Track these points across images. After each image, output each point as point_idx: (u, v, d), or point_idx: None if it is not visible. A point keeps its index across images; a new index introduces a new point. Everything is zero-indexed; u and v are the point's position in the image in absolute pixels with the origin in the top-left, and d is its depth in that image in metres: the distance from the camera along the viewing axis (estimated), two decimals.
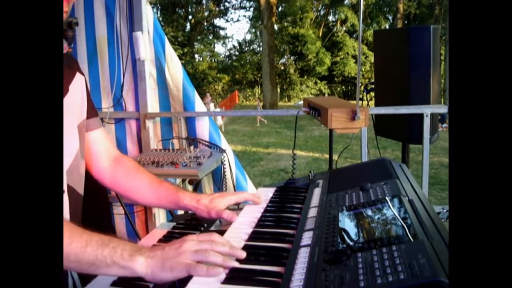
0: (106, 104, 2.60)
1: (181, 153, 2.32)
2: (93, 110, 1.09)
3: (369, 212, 0.83)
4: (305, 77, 24.70)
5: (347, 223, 0.81)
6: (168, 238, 1.03)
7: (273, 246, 0.84)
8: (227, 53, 27.90)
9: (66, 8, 0.84)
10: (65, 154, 0.94)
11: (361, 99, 2.43)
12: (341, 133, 1.59)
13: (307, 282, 0.64)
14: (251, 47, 27.54)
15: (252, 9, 25.89)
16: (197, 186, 2.42)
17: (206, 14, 25.95)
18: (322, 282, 0.62)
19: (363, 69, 21.29)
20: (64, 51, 0.97)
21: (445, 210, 2.26)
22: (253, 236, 0.91)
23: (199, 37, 25.68)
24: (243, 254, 0.77)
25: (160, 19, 21.85)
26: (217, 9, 25.84)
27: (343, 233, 0.75)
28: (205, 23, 26.11)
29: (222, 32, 27.25)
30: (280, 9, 23.36)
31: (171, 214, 2.31)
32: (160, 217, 2.67)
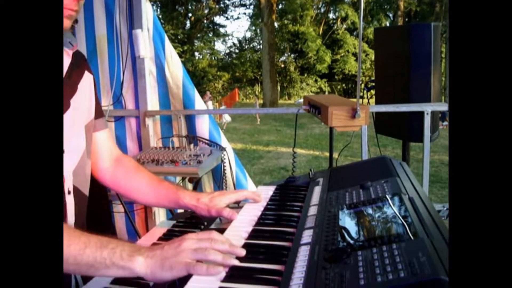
0: (106, 102, 2.59)
1: (181, 151, 2.32)
2: (100, 111, 1.09)
3: (370, 210, 0.83)
4: (305, 75, 24.67)
5: (347, 221, 0.81)
6: (168, 236, 1.03)
7: (273, 244, 0.84)
8: (227, 51, 27.88)
9: (75, 7, 0.83)
10: (71, 154, 0.94)
11: (362, 97, 2.42)
12: (342, 131, 1.58)
13: (307, 280, 0.64)
14: (251, 45, 27.51)
15: (252, 6, 25.85)
16: (197, 184, 2.42)
17: (206, 11, 25.91)
18: (322, 280, 0.62)
19: (364, 67, 21.27)
20: (73, 50, 0.96)
21: (445, 208, 2.26)
22: (253, 234, 0.91)
23: (199, 35, 25.64)
24: (242, 252, 0.77)
25: (160, 16, 21.81)
26: (217, 6, 25.79)
27: (343, 231, 0.75)
28: (205, 21, 26.07)
29: (222, 30, 27.23)
30: (280, 6, 23.31)
31: (171, 213, 2.31)
32: (160, 215, 2.67)
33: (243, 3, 26.08)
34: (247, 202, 1.13)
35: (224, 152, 2.48)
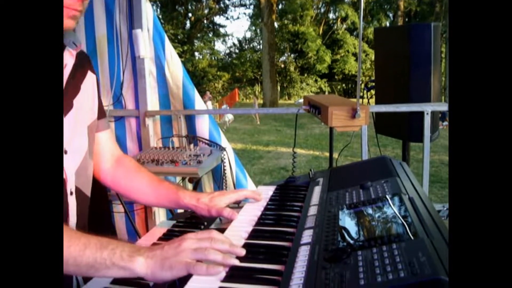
0: (106, 102, 2.59)
1: (181, 151, 2.32)
2: (102, 111, 1.09)
3: (370, 210, 0.83)
4: (305, 75, 24.67)
5: (347, 221, 0.81)
6: (168, 236, 1.03)
7: (273, 244, 0.84)
8: (227, 51, 27.87)
9: (80, 7, 0.82)
10: (74, 155, 0.94)
11: (362, 97, 2.42)
12: (342, 131, 1.58)
13: (307, 280, 0.64)
14: (251, 45, 27.50)
15: (252, 6, 25.84)
16: (197, 185, 2.42)
17: (206, 11, 25.90)
18: (322, 280, 0.62)
19: (364, 67, 21.27)
20: (77, 50, 0.96)
21: (445, 208, 2.26)
22: (253, 234, 0.91)
23: (199, 35, 25.64)
24: (242, 252, 0.77)
25: (160, 16, 21.81)
26: (217, 6, 25.79)
27: (343, 231, 0.75)
28: (205, 21, 26.07)
29: (222, 30, 27.22)
30: (280, 6, 23.31)
31: (171, 213, 2.31)
32: (160, 215, 2.67)
33: (243, 3, 26.09)
34: (247, 202, 1.13)
35: (224, 152, 2.48)
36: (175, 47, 2.74)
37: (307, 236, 0.81)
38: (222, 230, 0.91)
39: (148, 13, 2.53)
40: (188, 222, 1.13)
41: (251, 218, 1.00)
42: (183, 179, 2.43)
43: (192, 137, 2.53)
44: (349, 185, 1.01)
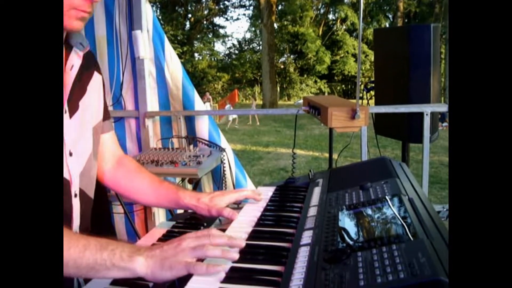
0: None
1: (180, 152, 2.32)
2: (107, 112, 1.09)
3: (369, 211, 0.83)
4: (305, 75, 24.69)
5: (347, 222, 0.81)
6: (167, 237, 1.02)
7: (273, 245, 0.84)
8: (227, 52, 27.88)
9: (89, 9, 0.82)
10: (79, 157, 0.94)
11: (361, 98, 2.42)
12: (341, 132, 1.58)
13: (307, 281, 0.64)
14: (250, 46, 27.52)
15: (251, 7, 25.85)
16: (196, 185, 2.41)
17: (205, 12, 25.92)
18: (322, 281, 0.62)
19: (363, 68, 21.29)
20: (84, 51, 0.96)
21: (445, 209, 2.26)
22: (253, 235, 0.91)
23: (198, 36, 25.65)
24: (242, 243, 0.77)
25: (160, 17, 21.81)
26: (216, 7, 25.80)
27: (343, 232, 0.75)
28: (205, 22, 26.08)
29: (221, 31, 27.23)
30: (280, 7, 23.32)
31: (170, 213, 2.31)
32: (160, 216, 2.67)
33: (243, 4, 26.11)
34: (247, 203, 1.13)
35: (224, 153, 2.48)
36: (174, 48, 2.74)
37: (306, 237, 0.81)
38: (222, 231, 0.91)
39: (148, 14, 2.53)
40: (188, 223, 1.13)
41: (250, 219, 1.00)
42: (183, 180, 2.43)
43: (192, 138, 2.53)
44: (348, 186, 1.01)
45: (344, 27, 24.43)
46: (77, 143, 0.93)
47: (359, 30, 1.57)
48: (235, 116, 12.24)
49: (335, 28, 24.89)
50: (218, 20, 27.38)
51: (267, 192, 1.18)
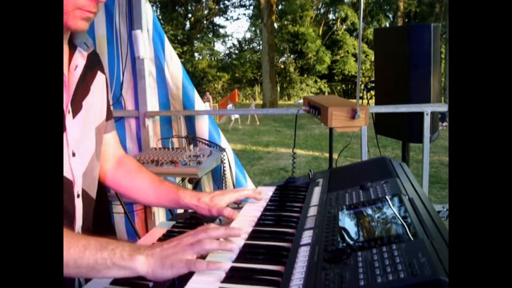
0: None
1: (180, 151, 2.32)
2: (110, 112, 1.09)
3: (369, 211, 0.83)
4: (305, 75, 24.68)
5: (347, 222, 0.81)
6: (167, 237, 1.02)
7: (273, 245, 0.84)
8: (227, 52, 27.88)
9: (94, 9, 0.82)
10: (81, 157, 0.94)
11: (361, 98, 2.42)
12: (341, 131, 1.58)
13: (307, 281, 0.64)
14: (251, 46, 27.51)
15: (252, 7, 25.85)
16: (196, 185, 2.41)
17: (205, 12, 25.91)
18: (322, 281, 0.61)
19: (363, 68, 21.28)
20: (89, 51, 0.95)
21: (445, 209, 2.26)
22: (253, 235, 0.91)
23: (198, 36, 25.64)
24: (240, 233, 0.78)
25: (160, 17, 21.81)
26: (216, 7, 25.80)
27: (343, 232, 0.75)
28: (205, 22, 26.07)
29: (221, 31, 27.23)
30: (280, 7, 23.32)
31: (170, 213, 2.31)
32: (160, 216, 2.67)
33: (243, 3, 26.10)
34: (247, 203, 1.13)
35: (224, 153, 2.48)
36: (174, 48, 2.74)
37: (307, 236, 0.81)
38: None
39: (148, 13, 2.53)
40: (188, 222, 1.13)
41: (250, 219, 1.00)
42: (183, 179, 2.43)
43: (192, 137, 2.53)
44: (349, 186, 1.01)
45: (344, 26, 24.42)
46: (80, 143, 0.93)
47: (359, 29, 1.57)
48: (237, 116, 12.22)
49: (335, 27, 24.89)
50: (218, 20, 27.38)
51: (267, 192, 1.18)
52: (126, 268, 0.72)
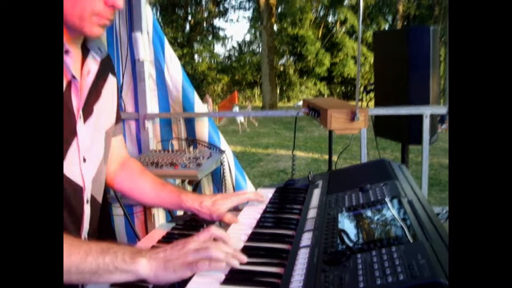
0: None
1: (180, 154, 2.32)
2: (119, 115, 1.09)
3: (369, 213, 0.83)
4: (305, 78, 24.70)
5: (346, 224, 0.81)
6: (167, 239, 1.02)
7: (272, 247, 0.84)
8: (227, 54, 27.88)
9: (111, 16, 0.82)
10: (91, 163, 0.93)
11: (361, 100, 2.43)
12: (341, 134, 1.59)
13: (306, 283, 0.64)
14: (250, 48, 27.53)
15: (251, 9, 25.89)
16: (196, 187, 2.41)
17: (205, 14, 25.94)
18: (322, 283, 0.61)
19: (363, 70, 21.29)
20: (102, 56, 0.95)
21: (444, 211, 2.26)
22: (253, 237, 0.91)
23: (198, 38, 25.66)
24: (244, 259, 0.76)
25: (160, 19, 21.83)
26: (216, 9, 25.83)
27: (343, 234, 0.75)
28: (205, 24, 26.10)
29: (221, 33, 27.23)
30: (279, 10, 23.36)
31: (170, 215, 2.30)
32: (160, 218, 2.66)
33: (243, 6, 26.14)
34: (246, 205, 1.13)
35: (224, 155, 2.48)
36: (174, 50, 2.75)
37: (306, 239, 0.81)
38: None
39: (148, 16, 2.53)
40: (188, 224, 1.13)
41: (250, 221, 1.00)
42: (183, 181, 2.43)
43: (192, 140, 2.53)
44: (348, 188, 1.01)
45: (343, 29, 24.46)
46: (90, 148, 0.92)
47: (358, 32, 1.58)
48: (242, 120, 12.17)
49: (334, 30, 24.92)
50: (218, 22, 27.48)
51: (267, 194, 1.18)
52: (129, 271, 0.72)
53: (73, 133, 0.87)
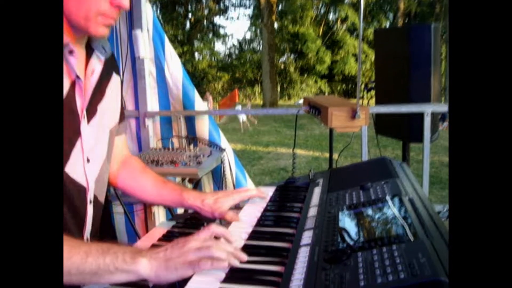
0: None
1: (180, 152, 2.32)
2: (123, 114, 1.08)
3: (369, 211, 0.83)
4: (305, 75, 24.67)
5: (347, 222, 0.81)
6: (167, 237, 1.02)
7: (273, 246, 0.84)
8: (227, 52, 27.84)
9: (116, 16, 0.82)
10: (95, 163, 0.93)
11: (362, 98, 2.42)
12: (341, 132, 1.58)
13: (307, 282, 0.64)
14: (251, 46, 27.50)
15: (252, 7, 25.85)
16: (196, 185, 2.41)
17: (206, 12, 25.90)
18: (322, 282, 0.61)
19: (364, 68, 21.26)
20: (106, 55, 0.94)
21: (445, 209, 2.26)
22: (253, 235, 0.91)
23: (199, 36, 25.63)
24: (244, 257, 0.76)
25: (160, 17, 21.81)
26: (217, 7, 25.79)
27: (343, 233, 0.75)
28: (205, 22, 26.06)
29: (222, 31, 27.20)
30: (280, 7, 23.32)
31: (170, 213, 2.31)
32: (160, 216, 2.67)
33: (243, 3, 26.11)
34: (247, 203, 1.13)
35: (224, 153, 2.48)
36: (175, 48, 2.74)
37: (307, 237, 0.81)
38: None
39: (148, 13, 2.53)
40: (188, 222, 1.13)
41: (251, 219, 1.00)
42: (183, 179, 2.43)
43: (192, 138, 2.53)
44: (349, 186, 1.01)
45: (344, 27, 24.41)
46: (94, 148, 0.92)
47: (359, 30, 1.57)
48: (245, 118, 12.14)
49: (335, 28, 24.87)
50: (218, 20, 27.43)
51: (267, 192, 1.18)
52: (129, 271, 0.72)
53: (77, 134, 0.87)
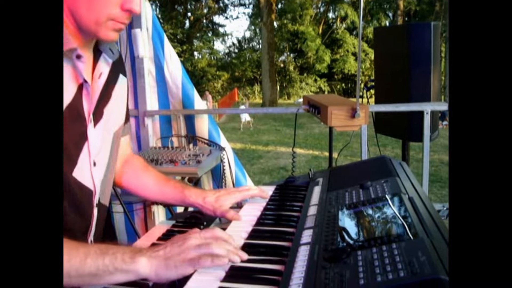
0: None
1: (180, 151, 2.32)
2: (127, 115, 1.08)
3: (369, 210, 0.83)
4: (305, 74, 24.67)
5: (347, 221, 0.81)
6: (167, 236, 1.02)
7: (273, 244, 0.84)
8: (227, 51, 27.87)
9: (127, 20, 0.81)
10: (100, 166, 0.93)
11: (361, 97, 2.42)
12: (341, 130, 1.58)
13: (307, 280, 0.64)
14: (250, 45, 27.51)
15: (251, 6, 25.83)
16: (196, 184, 2.41)
17: (205, 11, 25.88)
18: (322, 280, 0.61)
19: (363, 67, 21.27)
20: (114, 58, 0.94)
21: (445, 208, 2.26)
22: (253, 234, 0.91)
23: (198, 35, 25.62)
24: (244, 256, 0.76)
25: (159, 16, 21.78)
26: (216, 6, 25.77)
27: (343, 231, 0.75)
28: (204, 20, 26.05)
29: (221, 29, 27.22)
30: (279, 6, 23.30)
31: (170, 212, 2.31)
32: (160, 215, 2.66)
33: (243, 2, 26.07)
34: (247, 202, 1.13)
35: (224, 152, 2.48)
36: (174, 47, 2.74)
37: (306, 236, 0.81)
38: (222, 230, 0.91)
39: (147, 12, 2.52)
40: (188, 222, 1.13)
41: (251, 218, 1.00)
42: (183, 178, 2.43)
43: (192, 137, 2.53)
44: (348, 185, 1.01)
45: (344, 25, 24.40)
46: (99, 151, 0.92)
47: (359, 28, 1.57)
48: (248, 118, 12.13)
49: (335, 26, 24.87)
50: (217, 19, 27.43)
51: (267, 191, 1.18)
52: (129, 271, 0.71)
53: (84, 138, 0.87)
